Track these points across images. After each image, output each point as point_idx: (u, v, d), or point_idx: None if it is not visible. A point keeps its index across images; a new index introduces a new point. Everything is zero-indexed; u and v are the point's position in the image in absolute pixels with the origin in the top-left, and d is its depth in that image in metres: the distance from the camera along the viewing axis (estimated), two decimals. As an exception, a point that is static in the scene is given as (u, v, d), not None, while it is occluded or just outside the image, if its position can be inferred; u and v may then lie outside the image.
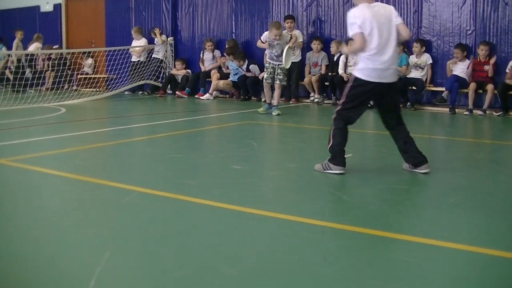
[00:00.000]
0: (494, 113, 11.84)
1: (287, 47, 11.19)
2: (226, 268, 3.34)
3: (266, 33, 11.51)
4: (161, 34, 17.21)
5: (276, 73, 11.48)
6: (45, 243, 3.82)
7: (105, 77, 18.24)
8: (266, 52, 11.81)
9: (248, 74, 14.94)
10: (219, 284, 3.13)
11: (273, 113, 11.42)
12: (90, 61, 18.86)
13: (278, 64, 11.42)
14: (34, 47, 18.22)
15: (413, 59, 13.12)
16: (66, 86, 17.34)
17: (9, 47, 19.79)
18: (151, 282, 3.14)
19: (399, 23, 5.99)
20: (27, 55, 17.88)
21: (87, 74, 18.51)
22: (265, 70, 11.77)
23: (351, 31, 5.84)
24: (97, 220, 4.42)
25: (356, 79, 5.90)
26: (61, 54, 18.05)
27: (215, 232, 4.09)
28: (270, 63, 11.53)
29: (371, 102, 6.57)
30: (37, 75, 16.05)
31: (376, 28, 5.77)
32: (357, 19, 5.78)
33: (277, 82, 11.48)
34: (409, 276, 3.25)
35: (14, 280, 3.19)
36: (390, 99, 6.06)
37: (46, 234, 4.03)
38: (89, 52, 18.63)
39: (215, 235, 4.03)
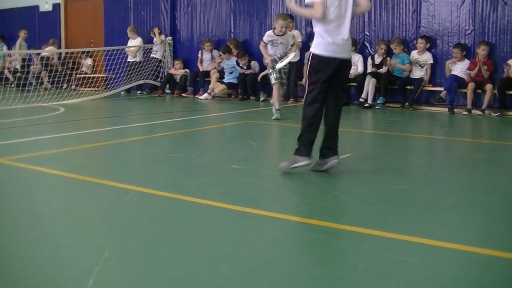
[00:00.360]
0: (492, 113, 11.83)
1: (293, 54, 10.79)
2: (225, 268, 3.34)
3: (267, 33, 11.00)
4: (160, 33, 17.22)
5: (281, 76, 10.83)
6: (44, 242, 3.82)
7: (103, 77, 18.23)
8: (270, 53, 10.91)
9: (248, 72, 14.92)
10: (218, 284, 3.13)
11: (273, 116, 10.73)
12: (89, 61, 18.84)
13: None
14: (50, 50, 18.29)
15: (414, 55, 13.12)
16: (65, 86, 17.34)
17: (10, 47, 19.81)
18: (150, 282, 3.14)
19: None
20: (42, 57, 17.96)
21: (85, 74, 18.50)
22: (268, 70, 11.05)
23: None
24: (95, 220, 4.42)
25: (315, 56, 5.78)
26: (59, 53, 18.07)
27: (214, 232, 4.09)
28: (273, 65, 10.73)
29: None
30: (35, 75, 16.08)
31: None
32: None
33: (283, 86, 11.11)
34: (408, 276, 3.25)
35: (14, 279, 3.19)
36: (343, 77, 6.02)
37: (45, 234, 4.03)
38: (88, 52, 18.62)
39: (214, 235, 4.03)
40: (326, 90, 5.80)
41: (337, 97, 5.95)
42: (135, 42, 17.22)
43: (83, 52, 18.58)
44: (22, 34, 18.80)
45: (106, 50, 17.60)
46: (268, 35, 10.88)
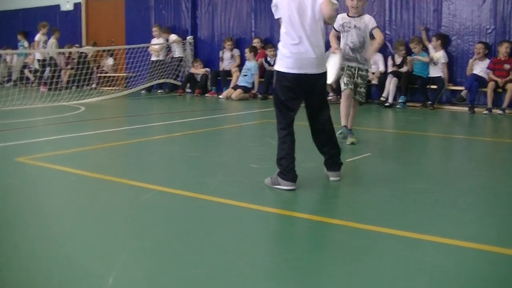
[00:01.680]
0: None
1: (376, 44, 7.63)
2: (244, 267, 3.35)
3: (339, 16, 7.64)
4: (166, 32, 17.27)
5: (355, 81, 7.62)
6: (65, 240, 3.84)
7: (124, 76, 18.29)
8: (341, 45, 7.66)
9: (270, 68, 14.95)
10: (236, 282, 3.13)
11: (347, 141, 7.72)
12: (110, 61, 18.90)
13: (359, 67, 7.59)
14: (50, 42, 18.43)
15: (432, 52, 13.06)
16: (87, 85, 17.43)
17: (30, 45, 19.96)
18: (169, 280, 3.15)
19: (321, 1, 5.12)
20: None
21: (106, 72, 18.58)
22: (365, 81, 7.81)
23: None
24: (116, 218, 4.45)
25: (277, 72, 5.30)
26: (81, 52, 18.15)
27: (233, 231, 4.10)
28: (345, 64, 7.57)
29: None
30: (56, 74, 16.18)
31: (293, 9, 5.18)
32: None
33: (356, 96, 7.73)
34: (428, 276, 3.24)
35: (34, 277, 3.21)
36: (317, 94, 5.40)
37: (66, 232, 4.06)
38: (109, 51, 18.67)
39: (233, 233, 4.04)
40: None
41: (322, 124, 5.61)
42: (158, 41, 17.24)
43: (103, 51, 18.63)
44: (56, 34, 18.85)
45: (127, 48, 17.64)
46: (339, 18, 7.65)
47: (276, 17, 5.38)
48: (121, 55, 18.20)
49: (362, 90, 7.64)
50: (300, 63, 5.16)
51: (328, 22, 5.31)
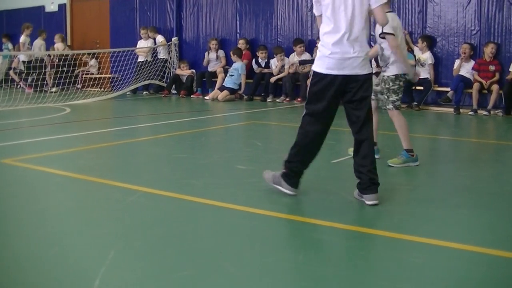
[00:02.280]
0: (497, 113, 11.78)
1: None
2: (231, 268, 3.35)
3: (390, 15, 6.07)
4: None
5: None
6: (50, 242, 3.83)
7: (109, 77, 18.23)
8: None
9: (266, 70, 14.96)
10: (224, 283, 3.13)
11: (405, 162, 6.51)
12: (93, 62, 18.82)
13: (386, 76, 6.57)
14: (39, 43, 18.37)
15: (418, 53, 13.08)
16: (72, 86, 17.37)
17: (15, 47, 19.88)
18: (156, 282, 3.15)
19: (375, 6, 4.78)
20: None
21: (92, 74, 18.50)
22: (393, 84, 6.54)
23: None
24: (101, 220, 4.44)
25: (315, 73, 4.93)
26: (65, 55, 18.09)
27: (220, 232, 4.10)
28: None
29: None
30: (41, 76, 16.11)
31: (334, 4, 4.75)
32: None
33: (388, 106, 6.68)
34: (414, 276, 3.25)
35: (20, 279, 3.20)
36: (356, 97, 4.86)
37: (51, 234, 4.04)
38: (94, 53, 18.60)
39: (220, 235, 4.04)
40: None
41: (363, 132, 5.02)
42: (146, 43, 17.20)
43: (89, 54, 18.56)
44: (44, 35, 18.74)
45: (112, 51, 17.59)
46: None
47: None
48: (106, 57, 18.13)
49: (387, 95, 6.57)
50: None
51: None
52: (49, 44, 19.06)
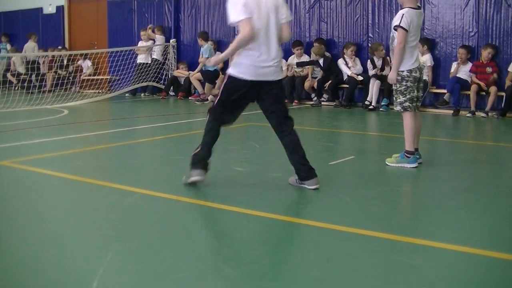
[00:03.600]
0: (493, 116, 11.77)
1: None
2: (228, 270, 3.34)
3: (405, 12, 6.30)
4: (157, 32, 17.18)
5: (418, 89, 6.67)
6: (48, 244, 3.83)
7: (107, 79, 18.20)
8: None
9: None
10: (221, 285, 3.13)
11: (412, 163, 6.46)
12: (88, 63, 18.75)
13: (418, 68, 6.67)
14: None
15: (420, 57, 13.06)
16: (71, 88, 17.37)
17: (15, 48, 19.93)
18: (154, 284, 3.14)
19: (285, 22, 5.33)
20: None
21: (89, 75, 18.47)
22: (400, 85, 6.48)
23: (235, 17, 5.19)
24: (99, 222, 4.43)
25: (229, 76, 5.37)
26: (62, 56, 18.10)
27: (218, 234, 4.10)
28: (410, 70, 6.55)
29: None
30: (39, 78, 16.11)
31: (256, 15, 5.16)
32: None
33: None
34: (411, 278, 3.25)
35: (18, 281, 3.19)
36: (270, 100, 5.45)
37: (49, 236, 4.04)
38: (86, 54, 18.53)
39: (218, 236, 4.04)
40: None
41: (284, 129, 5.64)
42: (145, 44, 17.19)
43: (81, 55, 18.52)
44: (34, 37, 18.83)
45: (110, 52, 17.56)
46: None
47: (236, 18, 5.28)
48: (104, 58, 18.09)
49: (395, 97, 6.56)
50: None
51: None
52: (47, 46, 19.09)
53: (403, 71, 6.40)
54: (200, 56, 15.47)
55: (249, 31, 5.09)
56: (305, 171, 5.31)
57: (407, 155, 6.41)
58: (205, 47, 15.20)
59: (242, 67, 5.26)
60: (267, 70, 5.25)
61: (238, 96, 5.35)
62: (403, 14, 6.22)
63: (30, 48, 18.54)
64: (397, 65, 6.35)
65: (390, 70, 6.59)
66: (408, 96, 6.42)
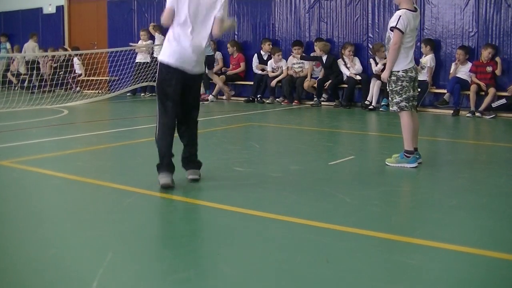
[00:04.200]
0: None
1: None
2: (228, 270, 3.34)
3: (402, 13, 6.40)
4: (160, 33, 17.14)
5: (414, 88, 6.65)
6: (48, 244, 3.83)
7: (107, 79, 18.17)
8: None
9: (264, 72, 15.00)
10: (221, 285, 3.13)
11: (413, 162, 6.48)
12: (76, 61, 18.65)
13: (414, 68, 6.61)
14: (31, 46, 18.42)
15: (422, 58, 13.04)
16: (70, 88, 17.36)
17: (13, 48, 19.89)
18: (154, 284, 3.15)
19: (219, 16, 5.46)
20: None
21: (80, 75, 18.43)
22: (395, 86, 6.51)
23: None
24: (99, 222, 4.43)
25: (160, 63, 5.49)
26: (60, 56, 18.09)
27: (217, 234, 4.10)
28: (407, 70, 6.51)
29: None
30: (38, 78, 16.11)
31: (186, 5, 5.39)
32: None
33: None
34: (411, 278, 3.25)
35: (17, 281, 3.19)
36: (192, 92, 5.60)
37: (49, 236, 4.04)
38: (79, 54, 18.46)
39: (217, 237, 4.04)
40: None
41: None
42: (145, 43, 17.18)
43: (75, 54, 18.48)
44: (35, 38, 18.84)
45: (110, 52, 17.53)
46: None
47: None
48: (104, 58, 18.04)
49: (391, 97, 6.58)
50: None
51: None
52: (46, 46, 19.09)
53: (398, 71, 6.43)
54: None
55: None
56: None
57: (407, 155, 6.43)
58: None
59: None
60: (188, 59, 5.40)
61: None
62: (400, 16, 6.28)
63: (30, 48, 18.52)
64: (391, 66, 6.41)
65: None
66: (404, 96, 6.45)
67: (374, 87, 13.16)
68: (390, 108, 6.63)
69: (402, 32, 6.26)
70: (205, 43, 5.49)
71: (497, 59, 12.07)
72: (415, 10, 6.39)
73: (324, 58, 13.90)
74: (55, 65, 18.11)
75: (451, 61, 12.77)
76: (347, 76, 13.66)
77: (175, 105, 5.41)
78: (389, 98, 6.63)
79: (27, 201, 5.02)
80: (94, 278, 3.16)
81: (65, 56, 18.03)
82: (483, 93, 12.12)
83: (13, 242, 3.91)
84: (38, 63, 18.59)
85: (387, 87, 6.60)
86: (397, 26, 6.26)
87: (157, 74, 5.46)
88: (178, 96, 5.42)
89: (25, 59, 18.63)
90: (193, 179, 5.64)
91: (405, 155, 6.44)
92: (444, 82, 12.89)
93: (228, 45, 15.74)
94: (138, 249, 3.74)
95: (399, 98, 6.46)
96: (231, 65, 15.91)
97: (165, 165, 5.43)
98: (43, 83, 16.91)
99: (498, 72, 12.02)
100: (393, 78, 6.40)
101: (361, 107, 13.25)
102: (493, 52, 12.09)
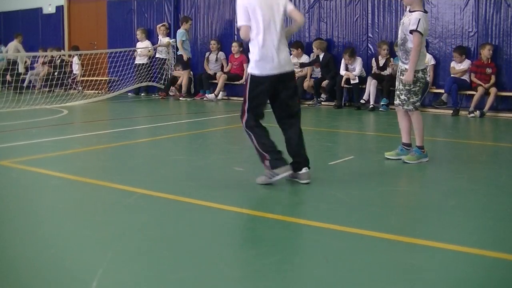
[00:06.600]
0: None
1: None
2: (227, 270, 3.35)
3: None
4: (167, 33, 17.16)
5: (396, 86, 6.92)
6: (48, 244, 3.83)
7: (107, 79, 18.16)
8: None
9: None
10: (221, 285, 3.13)
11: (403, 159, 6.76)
12: (75, 60, 18.64)
13: (400, 68, 6.85)
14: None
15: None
16: (70, 88, 17.36)
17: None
18: (153, 283, 3.14)
19: (291, 9, 5.61)
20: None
21: (75, 75, 18.43)
22: (414, 86, 6.69)
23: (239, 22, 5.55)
24: (99, 222, 4.43)
25: (251, 76, 5.62)
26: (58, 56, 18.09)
27: (217, 234, 4.10)
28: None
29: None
30: (38, 77, 16.11)
31: (260, 15, 5.44)
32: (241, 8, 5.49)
33: (395, 102, 6.95)
34: (411, 278, 3.25)
35: (17, 281, 3.19)
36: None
37: (49, 235, 4.04)
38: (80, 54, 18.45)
39: (217, 237, 4.04)
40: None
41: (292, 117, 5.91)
42: (143, 44, 17.18)
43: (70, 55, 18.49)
44: (20, 38, 18.79)
45: (110, 52, 17.53)
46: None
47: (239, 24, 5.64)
48: (104, 58, 18.02)
49: (403, 97, 6.71)
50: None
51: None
52: (46, 46, 19.10)
53: (418, 72, 6.57)
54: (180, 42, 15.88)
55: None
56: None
57: (422, 150, 6.68)
58: (178, 31, 15.92)
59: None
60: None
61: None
62: (419, 19, 6.38)
63: (12, 48, 18.49)
64: (413, 67, 6.50)
65: (392, 70, 6.80)
66: (420, 96, 6.73)
67: (371, 86, 13.16)
68: (404, 107, 6.74)
69: (422, 35, 6.40)
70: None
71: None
72: (426, 11, 6.48)
73: (321, 55, 13.89)
74: (50, 65, 18.13)
75: (451, 61, 12.77)
76: (342, 76, 13.56)
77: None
78: (404, 97, 6.71)
79: (27, 201, 5.02)
80: (94, 278, 3.16)
81: (60, 57, 18.05)
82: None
83: (12, 242, 3.91)
84: (32, 63, 18.57)
85: (402, 87, 6.70)
86: (418, 29, 6.36)
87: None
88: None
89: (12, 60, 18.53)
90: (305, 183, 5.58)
91: (421, 151, 6.67)
92: (444, 82, 12.88)
93: (235, 44, 15.69)
94: (138, 249, 3.74)
95: (416, 98, 6.68)
96: (231, 65, 15.87)
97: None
98: (42, 83, 16.92)
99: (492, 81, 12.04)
100: (414, 79, 6.55)
101: (358, 107, 13.17)
102: (492, 50, 12.08)
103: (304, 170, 5.55)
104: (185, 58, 15.78)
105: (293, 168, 5.53)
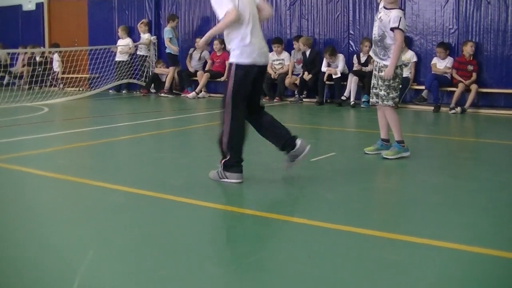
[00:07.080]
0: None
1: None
2: (211, 268, 3.34)
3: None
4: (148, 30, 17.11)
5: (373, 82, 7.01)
6: (28, 243, 3.80)
7: (87, 76, 18.08)
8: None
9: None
10: (205, 283, 3.12)
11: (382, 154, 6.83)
12: (56, 57, 18.57)
13: (378, 64, 6.85)
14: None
15: (404, 55, 13.08)
16: (49, 85, 17.28)
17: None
18: (135, 282, 3.13)
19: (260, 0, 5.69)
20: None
21: (55, 72, 18.35)
22: (393, 82, 6.73)
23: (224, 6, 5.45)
24: (80, 220, 4.40)
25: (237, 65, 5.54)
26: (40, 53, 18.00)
27: (200, 231, 4.09)
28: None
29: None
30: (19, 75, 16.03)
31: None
32: None
33: (372, 100, 7.04)
34: (394, 274, 3.26)
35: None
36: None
37: (29, 234, 4.01)
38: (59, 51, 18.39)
39: (200, 234, 4.03)
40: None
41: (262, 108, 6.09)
42: (124, 41, 17.12)
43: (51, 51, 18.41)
44: None
45: (90, 49, 17.47)
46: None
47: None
48: (84, 55, 17.93)
49: (382, 93, 6.74)
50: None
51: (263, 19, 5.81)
52: (27, 44, 19.00)
53: (397, 68, 6.67)
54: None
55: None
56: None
57: (402, 145, 6.77)
58: (164, 29, 16.12)
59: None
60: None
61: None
62: (400, 17, 6.51)
63: None
64: (395, 63, 6.61)
65: (373, 67, 6.84)
66: (398, 92, 6.84)
67: (351, 83, 13.20)
68: (383, 103, 6.78)
69: (404, 32, 6.58)
70: None
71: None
72: (402, 9, 6.63)
73: (308, 52, 13.91)
74: (30, 67, 18.03)
75: (432, 58, 12.83)
76: (324, 72, 13.58)
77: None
78: (384, 93, 6.74)
79: (7, 199, 4.98)
80: (76, 277, 3.14)
81: (41, 54, 17.98)
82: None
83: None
84: (12, 60, 18.52)
85: (382, 83, 6.74)
86: (399, 27, 6.48)
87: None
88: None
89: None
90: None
91: (401, 145, 6.77)
92: (425, 78, 12.95)
93: (216, 42, 15.61)
94: (120, 247, 3.72)
95: (396, 94, 6.78)
96: (214, 62, 15.83)
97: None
98: (22, 81, 16.84)
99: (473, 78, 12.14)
100: (393, 74, 6.66)
101: (337, 104, 13.20)
102: (475, 47, 12.16)
103: (298, 141, 5.63)
104: (174, 52, 15.87)
105: (289, 151, 5.65)
